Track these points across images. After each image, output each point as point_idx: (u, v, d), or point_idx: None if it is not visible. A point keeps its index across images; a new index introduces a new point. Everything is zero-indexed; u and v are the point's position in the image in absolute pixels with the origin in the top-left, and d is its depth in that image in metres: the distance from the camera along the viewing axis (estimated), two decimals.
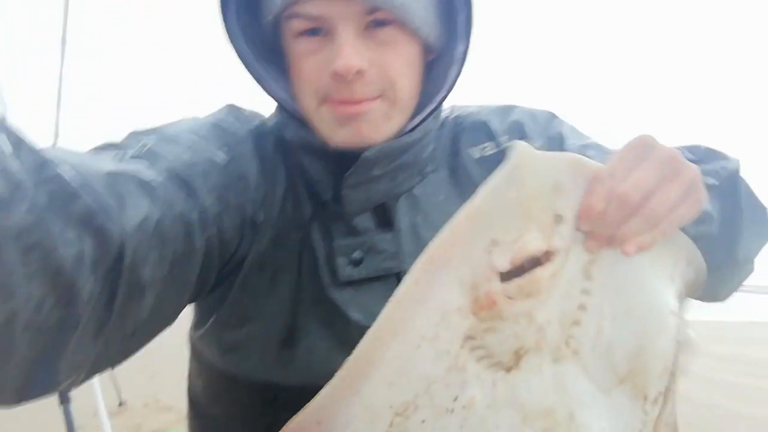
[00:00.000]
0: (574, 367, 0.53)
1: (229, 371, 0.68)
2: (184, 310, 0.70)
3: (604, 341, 0.53)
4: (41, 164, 0.37)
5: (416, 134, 0.66)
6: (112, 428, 2.34)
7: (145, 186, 0.48)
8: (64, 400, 1.90)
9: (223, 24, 0.63)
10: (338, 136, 0.63)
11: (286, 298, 0.65)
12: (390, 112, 0.64)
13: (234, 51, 0.64)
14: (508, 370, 0.51)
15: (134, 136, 0.59)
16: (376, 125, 0.63)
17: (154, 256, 0.47)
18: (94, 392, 2.37)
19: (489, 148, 0.74)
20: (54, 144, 2.87)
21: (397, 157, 0.65)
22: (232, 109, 0.73)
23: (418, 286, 0.47)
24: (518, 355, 0.51)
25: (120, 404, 3.86)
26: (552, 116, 0.77)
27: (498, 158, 0.70)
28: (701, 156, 0.66)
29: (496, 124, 0.75)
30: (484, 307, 0.48)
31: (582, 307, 0.52)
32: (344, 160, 0.64)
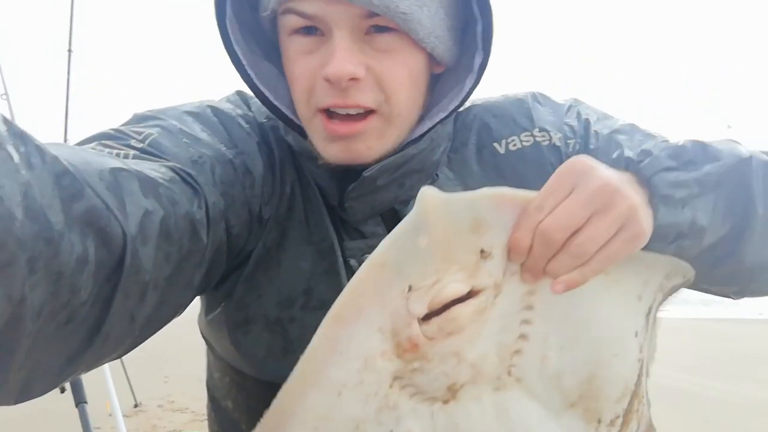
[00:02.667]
0: (518, 392, 0.53)
1: (236, 368, 0.67)
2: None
3: (551, 369, 0.53)
4: (51, 165, 0.36)
5: (422, 144, 0.63)
6: (128, 429, 2.36)
7: (148, 184, 0.46)
8: (80, 401, 1.90)
9: (218, 25, 0.60)
10: (330, 150, 0.60)
11: (294, 299, 0.63)
12: (384, 129, 0.60)
13: (228, 55, 0.61)
14: (446, 402, 0.51)
15: (137, 120, 0.58)
16: (369, 145, 0.60)
17: (159, 256, 0.45)
18: (110, 394, 2.39)
19: (517, 142, 0.70)
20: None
21: (402, 167, 0.63)
22: (242, 98, 0.70)
23: (329, 342, 0.47)
24: (453, 390, 0.51)
25: (135, 406, 3.88)
26: (575, 102, 0.74)
27: (530, 151, 0.69)
28: (690, 157, 0.57)
29: (519, 117, 0.72)
30: (407, 350, 0.48)
31: (523, 337, 0.52)
32: (349, 170, 0.62)
